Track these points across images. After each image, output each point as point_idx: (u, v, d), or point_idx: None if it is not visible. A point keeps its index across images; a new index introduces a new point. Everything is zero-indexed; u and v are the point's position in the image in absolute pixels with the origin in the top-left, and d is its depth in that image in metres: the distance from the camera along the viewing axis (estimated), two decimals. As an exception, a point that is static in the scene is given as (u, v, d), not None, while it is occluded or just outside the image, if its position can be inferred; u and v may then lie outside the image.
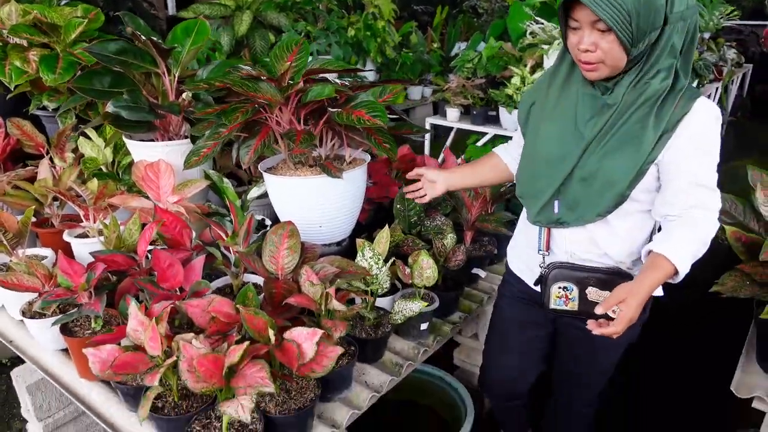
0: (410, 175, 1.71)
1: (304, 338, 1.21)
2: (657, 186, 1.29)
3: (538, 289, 1.48)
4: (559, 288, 1.40)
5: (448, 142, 4.00)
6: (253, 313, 1.23)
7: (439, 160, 2.41)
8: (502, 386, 1.77)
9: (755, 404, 1.62)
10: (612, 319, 1.29)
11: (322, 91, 1.54)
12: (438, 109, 4.27)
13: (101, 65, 1.78)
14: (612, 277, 1.35)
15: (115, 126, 1.82)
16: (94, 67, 1.84)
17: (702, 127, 1.21)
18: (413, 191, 1.70)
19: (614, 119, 1.25)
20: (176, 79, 1.89)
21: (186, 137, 1.94)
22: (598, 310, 1.24)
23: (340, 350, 1.25)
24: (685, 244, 1.20)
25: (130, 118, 1.76)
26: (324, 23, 4.64)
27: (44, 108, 2.38)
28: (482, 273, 2.07)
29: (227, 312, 1.28)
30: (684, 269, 1.20)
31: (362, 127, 1.63)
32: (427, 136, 4.08)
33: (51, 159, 2.10)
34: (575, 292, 1.39)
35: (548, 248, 1.44)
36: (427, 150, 4.00)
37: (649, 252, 1.24)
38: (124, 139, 1.94)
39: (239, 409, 1.08)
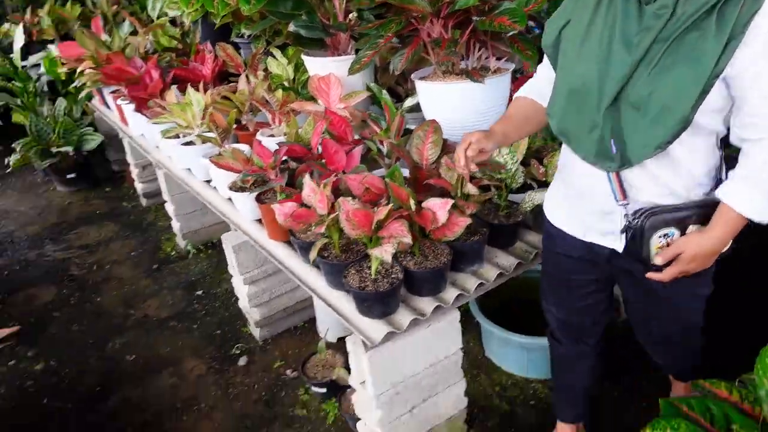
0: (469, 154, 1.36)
1: (438, 207, 1.45)
2: (725, 105, 1.11)
3: (597, 241, 1.35)
4: (660, 237, 1.21)
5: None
6: (398, 185, 1.49)
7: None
8: (568, 336, 1.66)
9: None
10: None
11: (467, 0, 1.70)
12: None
13: (286, -9, 2.13)
14: (710, 210, 1.18)
15: (296, 44, 2.18)
16: (281, -6, 2.19)
17: None
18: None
19: (667, 32, 1.06)
20: (345, 1, 2.17)
21: (352, 54, 2.24)
22: (657, 261, 1.21)
23: (468, 220, 1.47)
24: (756, 187, 1.09)
25: (307, 36, 2.10)
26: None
27: (242, 36, 2.85)
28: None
29: (378, 185, 1.56)
30: (759, 217, 1.10)
31: (505, 35, 1.77)
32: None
33: (246, 76, 2.55)
34: (677, 235, 1.22)
35: (624, 195, 1.24)
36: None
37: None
38: (302, 56, 2.30)
39: (383, 252, 1.37)
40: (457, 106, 1.91)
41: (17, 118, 4.37)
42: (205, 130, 2.27)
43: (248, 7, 2.45)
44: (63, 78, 4.22)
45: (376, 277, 1.48)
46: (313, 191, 1.57)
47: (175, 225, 3.37)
